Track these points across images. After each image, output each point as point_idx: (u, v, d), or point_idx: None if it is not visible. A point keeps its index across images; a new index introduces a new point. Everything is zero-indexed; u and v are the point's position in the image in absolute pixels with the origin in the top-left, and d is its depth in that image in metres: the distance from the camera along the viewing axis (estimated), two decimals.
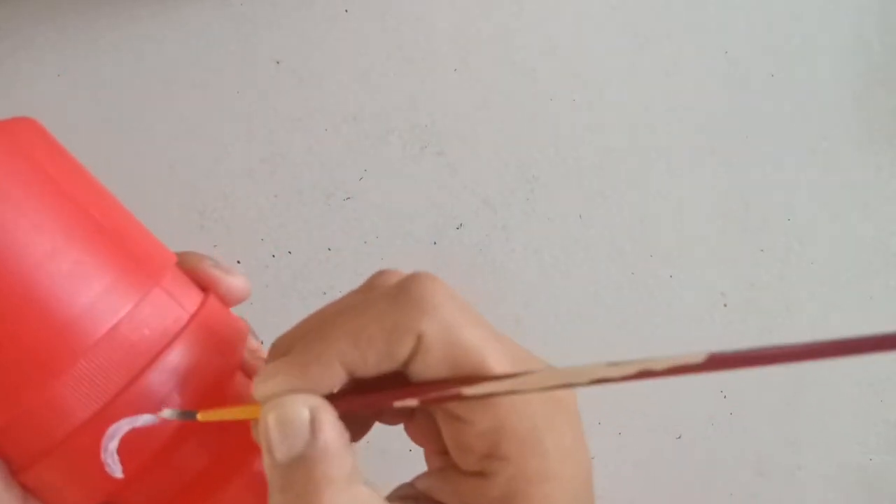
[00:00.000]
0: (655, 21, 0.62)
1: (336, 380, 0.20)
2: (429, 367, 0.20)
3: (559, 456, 0.21)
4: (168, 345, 0.23)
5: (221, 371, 0.24)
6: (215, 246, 0.57)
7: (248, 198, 0.57)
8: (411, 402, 0.21)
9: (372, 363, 0.20)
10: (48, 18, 0.56)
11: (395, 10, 0.59)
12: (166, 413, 0.22)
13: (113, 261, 0.23)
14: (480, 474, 0.21)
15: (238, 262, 0.57)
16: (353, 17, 0.59)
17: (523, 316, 0.60)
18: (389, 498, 0.23)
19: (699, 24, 0.62)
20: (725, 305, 0.62)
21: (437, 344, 0.20)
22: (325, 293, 0.57)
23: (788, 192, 0.63)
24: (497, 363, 0.21)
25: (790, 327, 0.63)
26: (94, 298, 0.22)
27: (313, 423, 0.20)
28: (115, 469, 0.22)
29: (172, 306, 0.24)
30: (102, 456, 0.22)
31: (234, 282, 0.26)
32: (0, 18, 0.55)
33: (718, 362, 0.18)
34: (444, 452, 0.23)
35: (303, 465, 0.19)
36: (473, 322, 0.21)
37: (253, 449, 0.24)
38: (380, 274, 0.24)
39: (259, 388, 0.21)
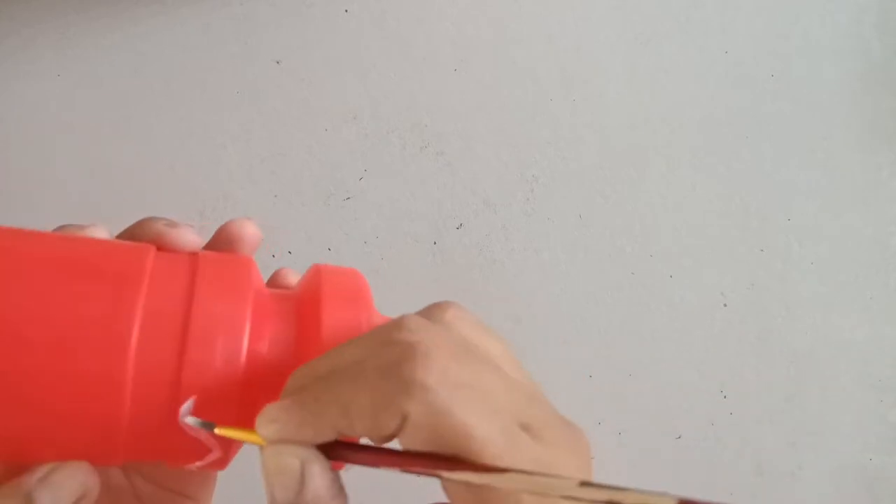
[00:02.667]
0: (655, 21, 0.62)
1: (326, 438, 0.22)
2: (415, 444, 0.21)
3: None
4: (190, 299, 0.24)
5: (247, 286, 0.25)
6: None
7: (248, 198, 0.57)
8: (395, 469, 0.22)
9: (360, 432, 0.21)
10: (48, 18, 0.56)
11: (395, 10, 0.59)
12: (189, 420, 0.23)
13: (102, 283, 0.24)
14: None
15: None
16: (353, 17, 0.59)
17: (523, 316, 0.60)
18: None
19: (699, 24, 0.62)
20: (725, 305, 0.62)
21: (422, 425, 0.21)
22: None
23: (788, 192, 0.63)
24: (484, 449, 0.21)
25: (790, 327, 0.63)
26: (106, 315, 0.23)
27: (303, 475, 0.21)
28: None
29: (174, 276, 0.25)
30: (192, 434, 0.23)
31: (179, 234, 0.27)
32: (0, 18, 0.55)
33: None
34: None
35: None
36: (468, 403, 0.21)
37: None
38: (400, 327, 0.23)
39: (260, 429, 0.22)
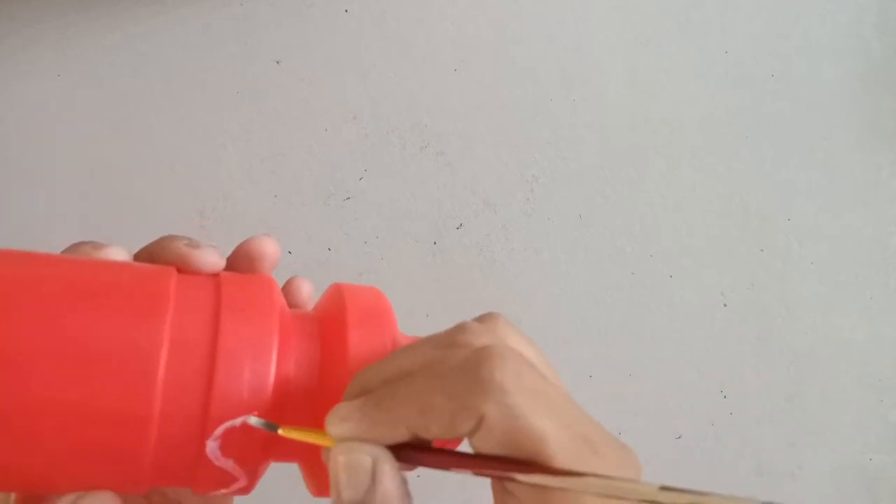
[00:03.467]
0: (655, 21, 0.62)
1: (400, 438, 0.22)
2: (488, 446, 0.21)
3: None
4: (215, 331, 0.24)
5: (270, 317, 0.25)
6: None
7: (248, 198, 0.57)
8: (467, 472, 0.22)
9: (434, 432, 0.21)
10: (48, 18, 0.56)
11: (395, 10, 0.59)
12: (252, 420, 0.23)
13: (125, 314, 0.23)
14: None
15: None
16: (353, 17, 0.59)
17: (523, 316, 0.60)
18: None
19: (699, 24, 0.62)
20: (725, 305, 0.62)
21: (498, 427, 0.21)
22: None
23: (788, 192, 0.63)
24: (556, 455, 0.21)
25: (790, 327, 0.63)
26: (131, 348, 0.22)
27: (374, 473, 0.22)
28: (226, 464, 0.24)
29: (198, 302, 0.24)
30: (217, 464, 0.23)
31: (201, 256, 0.26)
32: (0, 18, 0.55)
33: None
34: None
35: None
36: (541, 408, 0.21)
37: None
38: (463, 330, 0.24)
39: (332, 427, 0.22)
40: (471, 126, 0.60)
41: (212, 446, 0.23)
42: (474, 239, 0.60)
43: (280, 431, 0.23)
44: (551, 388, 0.22)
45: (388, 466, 0.22)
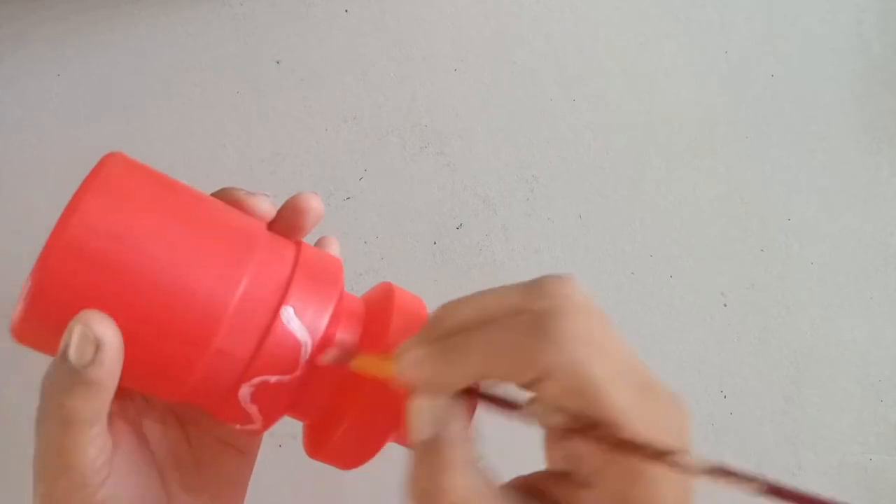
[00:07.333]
0: (655, 21, 0.62)
1: (465, 384, 0.24)
2: (550, 394, 0.23)
3: (666, 485, 0.24)
4: (285, 292, 0.27)
5: (331, 297, 0.28)
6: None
7: None
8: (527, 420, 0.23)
9: (498, 380, 0.23)
10: (48, 18, 0.56)
11: (395, 10, 0.59)
12: (329, 355, 0.26)
13: (222, 243, 0.27)
14: (587, 485, 0.23)
15: None
16: (353, 17, 0.59)
17: None
18: (507, 484, 0.25)
19: (699, 24, 0.62)
20: (725, 305, 0.62)
21: (560, 377, 0.22)
22: None
23: (788, 192, 0.63)
24: (615, 401, 0.23)
25: (790, 327, 0.63)
26: (215, 278, 0.26)
27: (446, 415, 0.24)
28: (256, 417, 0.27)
29: (278, 260, 0.28)
30: (243, 405, 0.27)
31: (256, 202, 0.30)
32: (0, 18, 0.55)
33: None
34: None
35: (434, 448, 0.23)
36: (603, 358, 0.23)
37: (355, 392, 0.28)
38: (549, 281, 0.25)
39: (403, 370, 0.24)
40: (471, 126, 0.60)
41: (244, 391, 0.26)
42: (474, 239, 0.60)
43: (354, 364, 0.26)
44: (615, 341, 0.24)
45: (457, 409, 0.24)
